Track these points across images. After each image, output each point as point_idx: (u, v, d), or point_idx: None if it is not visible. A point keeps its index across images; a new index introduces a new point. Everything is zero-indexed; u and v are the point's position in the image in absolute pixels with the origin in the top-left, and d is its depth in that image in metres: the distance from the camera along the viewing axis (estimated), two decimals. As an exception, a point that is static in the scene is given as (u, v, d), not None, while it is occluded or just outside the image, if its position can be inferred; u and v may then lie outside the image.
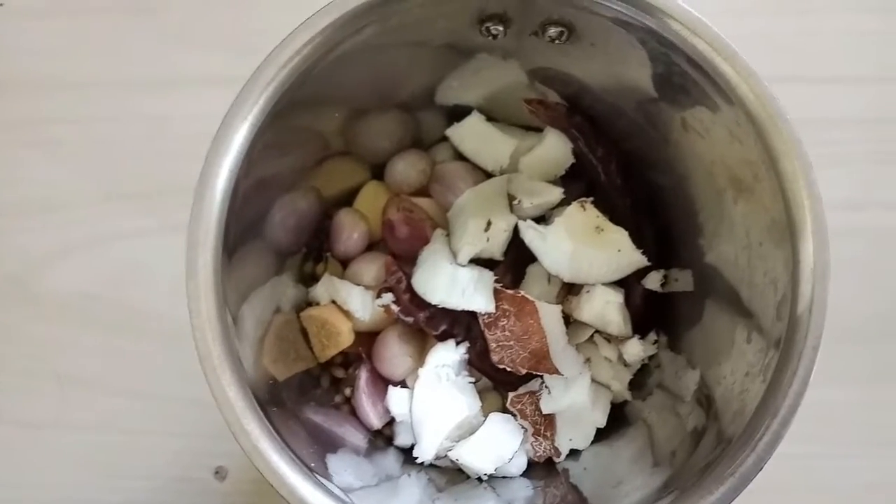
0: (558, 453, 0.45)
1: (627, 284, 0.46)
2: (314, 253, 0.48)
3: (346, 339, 0.45)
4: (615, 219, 0.45)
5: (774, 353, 0.32)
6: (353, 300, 0.45)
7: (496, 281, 0.44)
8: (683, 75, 0.36)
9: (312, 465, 0.34)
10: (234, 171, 0.32)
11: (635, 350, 0.45)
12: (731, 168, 0.37)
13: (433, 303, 0.43)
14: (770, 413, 0.31)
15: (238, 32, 0.57)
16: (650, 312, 0.46)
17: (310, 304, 0.47)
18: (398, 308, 0.44)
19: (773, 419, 0.31)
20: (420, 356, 0.46)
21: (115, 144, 0.57)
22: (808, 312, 0.31)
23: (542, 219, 0.47)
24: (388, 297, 0.44)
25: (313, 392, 0.47)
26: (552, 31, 0.37)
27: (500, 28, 0.38)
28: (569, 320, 0.46)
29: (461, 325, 0.45)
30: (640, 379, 0.47)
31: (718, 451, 0.32)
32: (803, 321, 0.31)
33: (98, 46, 0.58)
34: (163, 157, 0.56)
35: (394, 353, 0.45)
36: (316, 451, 0.41)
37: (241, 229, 0.37)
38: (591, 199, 0.45)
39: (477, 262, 0.46)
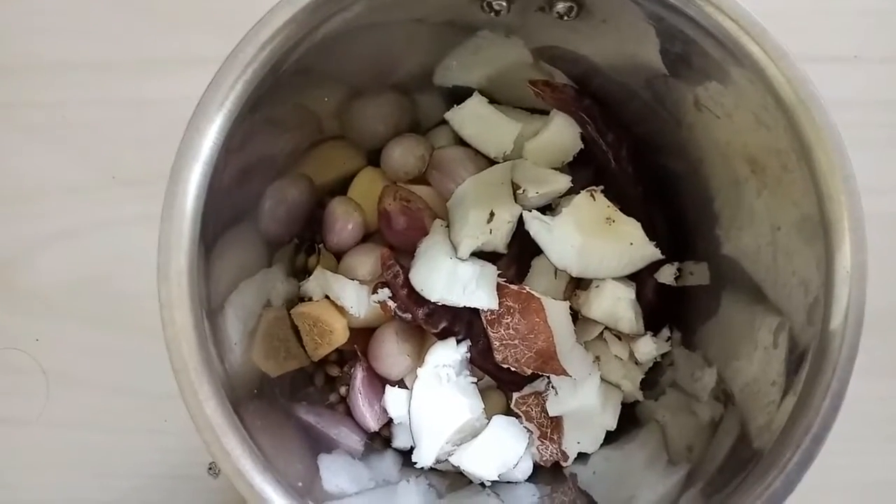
0: (566, 457, 0.43)
1: (639, 278, 0.43)
2: (306, 244, 0.46)
3: (339, 338, 0.43)
4: (626, 209, 0.42)
5: (805, 363, 0.29)
6: (348, 295, 0.42)
7: (499, 275, 0.42)
8: (703, 55, 0.33)
9: (300, 483, 0.31)
10: (210, 165, 0.29)
11: (648, 348, 0.42)
12: (754, 156, 0.34)
13: (432, 299, 0.41)
14: (801, 430, 0.28)
15: (225, 10, 0.54)
16: (663, 308, 0.44)
17: (302, 299, 0.45)
18: (395, 304, 0.42)
19: (805, 436, 0.28)
20: (419, 355, 0.43)
21: (98, 129, 0.54)
22: (843, 320, 0.28)
23: (547, 208, 0.45)
24: (384, 293, 0.42)
25: (306, 390, 0.45)
26: (560, 6, 0.34)
27: (504, 3, 0.35)
28: (576, 317, 0.43)
29: (462, 321, 0.42)
30: (652, 377, 0.44)
31: (748, 470, 0.30)
32: (838, 330, 0.28)
33: (79, 27, 0.55)
34: (148, 141, 0.53)
35: (391, 352, 0.43)
36: (308, 454, 0.39)
37: (225, 218, 0.34)
38: (601, 187, 0.42)
39: (479, 255, 0.43)
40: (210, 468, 0.52)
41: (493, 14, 0.35)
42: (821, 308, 0.29)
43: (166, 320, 0.28)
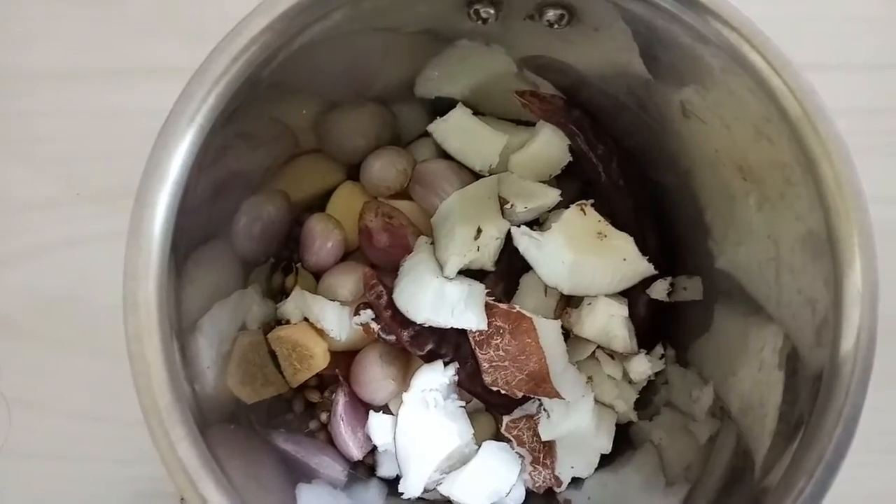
0: (559, 483, 0.41)
1: (630, 295, 0.42)
2: (283, 264, 0.44)
3: (320, 362, 0.41)
4: (617, 223, 0.41)
5: (816, 386, 0.28)
6: (328, 318, 0.41)
7: (487, 294, 0.41)
8: (701, 65, 0.31)
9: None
10: (180, 185, 0.27)
11: (642, 367, 0.41)
12: (751, 168, 0.33)
13: (418, 321, 0.39)
14: (813, 458, 0.27)
15: (197, 18, 0.53)
16: (656, 324, 0.43)
17: (279, 321, 0.43)
18: (378, 326, 0.40)
19: (818, 465, 0.27)
20: (404, 379, 0.42)
21: (63, 141, 0.52)
22: (855, 342, 0.27)
23: (535, 223, 0.43)
24: (367, 314, 0.40)
25: (284, 417, 0.43)
26: (551, 14, 0.33)
27: (491, 10, 0.33)
28: (568, 335, 0.42)
29: (449, 343, 0.41)
30: (646, 397, 0.43)
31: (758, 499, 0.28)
32: (850, 353, 0.27)
33: (44, 35, 0.53)
34: (115, 154, 0.51)
35: (374, 377, 0.41)
36: (286, 485, 0.37)
37: (196, 238, 0.33)
38: (592, 201, 0.41)
39: (465, 272, 0.42)
40: (183, 500, 0.50)
41: (479, 22, 0.34)
42: (830, 329, 0.28)
43: (134, 354, 0.26)
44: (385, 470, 0.42)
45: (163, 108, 0.30)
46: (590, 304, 0.41)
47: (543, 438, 0.40)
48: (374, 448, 0.42)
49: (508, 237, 0.41)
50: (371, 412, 0.41)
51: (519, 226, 0.41)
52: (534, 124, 0.43)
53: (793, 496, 0.27)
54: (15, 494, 0.49)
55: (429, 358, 0.41)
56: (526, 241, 0.40)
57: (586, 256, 0.40)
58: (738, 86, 0.30)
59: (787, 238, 0.32)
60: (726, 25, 0.29)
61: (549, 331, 0.40)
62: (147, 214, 0.26)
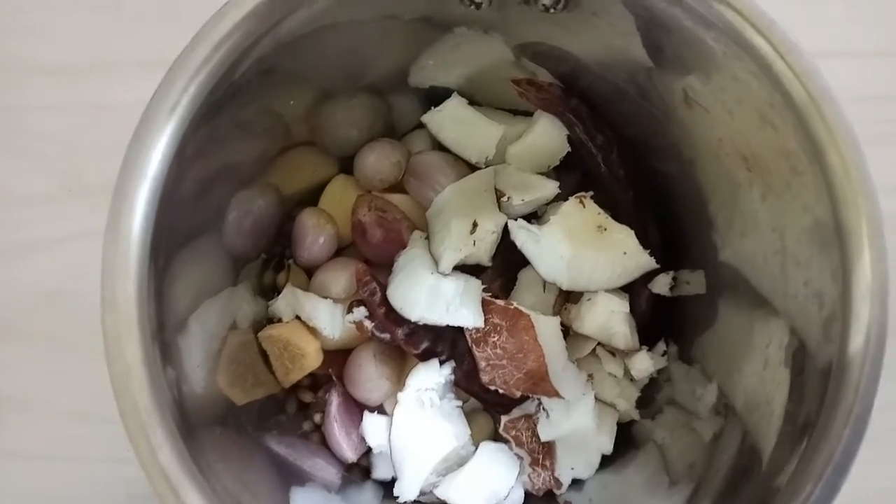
0: (559, 485, 0.40)
1: (631, 290, 0.41)
2: (274, 260, 0.43)
3: (312, 362, 0.40)
4: (617, 215, 0.40)
5: (824, 384, 0.27)
6: (321, 316, 0.40)
7: (483, 290, 0.40)
8: (703, 49, 0.30)
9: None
10: (159, 180, 0.26)
11: (644, 364, 0.40)
12: (756, 155, 0.32)
13: (413, 318, 0.38)
14: (822, 460, 0.26)
15: (199, 11, 0.51)
16: (658, 320, 0.42)
17: (270, 320, 0.42)
18: (372, 324, 0.39)
19: (827, 467, 0.25)
20: (399, 378, 0.41)
21: (55, 136, 0.51)
22: (865, 339, 0.26)
23: (533, 216, 0.42)
24: (360, 312, 0.39)
25: (277, 418, 0.42)
26: (547, -2, 0.31)
27: (484, -5, 0.32)
28: (567, 332, 0.41)
29: (445, 341, 0.40)
30: (648, 395, 0.42)
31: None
32: (859, 350, 0.26)
33: (34, 27, 0.52)
34: (108, 149, 0.48)
35: (369, 376, 0.40)
36: (278, 488, 0.37)
37: (182, 234, 0.32)
38: (591, 193, 0.39)
39: (460, 268, 0.41)
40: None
41: (472, 7, 0.33)
42: (838, 324, 0.27)
43: (112, 356, 0.25)
44: (380, 472, 0.41)
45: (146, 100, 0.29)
46: (590, 299, 0.40)
47: (543, 439, 0.39)
48: (369, 450, 0.41)
49: (505, 231, 0.40)
50: (366, 413, 0.40)
51: (516, 219, 0.40)
52: (531, 114, 0.42)
53: (801, 499, 0.26)
54: (8, 495, 0.48)
55: (424, 356, 0.40)
56: (523, 235, 0.39)
57: (586, 250, 0.39)
58: (741, 70, 0.29)
59: (793, 229, 0.31)
60: (729, 8, 0.27)
61: (547, 328, 0.39)
62: (125, 210, 0.25)
